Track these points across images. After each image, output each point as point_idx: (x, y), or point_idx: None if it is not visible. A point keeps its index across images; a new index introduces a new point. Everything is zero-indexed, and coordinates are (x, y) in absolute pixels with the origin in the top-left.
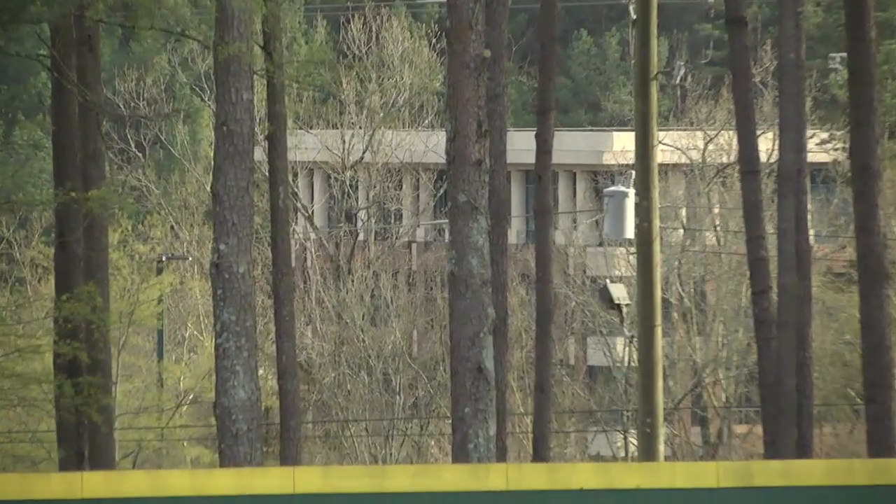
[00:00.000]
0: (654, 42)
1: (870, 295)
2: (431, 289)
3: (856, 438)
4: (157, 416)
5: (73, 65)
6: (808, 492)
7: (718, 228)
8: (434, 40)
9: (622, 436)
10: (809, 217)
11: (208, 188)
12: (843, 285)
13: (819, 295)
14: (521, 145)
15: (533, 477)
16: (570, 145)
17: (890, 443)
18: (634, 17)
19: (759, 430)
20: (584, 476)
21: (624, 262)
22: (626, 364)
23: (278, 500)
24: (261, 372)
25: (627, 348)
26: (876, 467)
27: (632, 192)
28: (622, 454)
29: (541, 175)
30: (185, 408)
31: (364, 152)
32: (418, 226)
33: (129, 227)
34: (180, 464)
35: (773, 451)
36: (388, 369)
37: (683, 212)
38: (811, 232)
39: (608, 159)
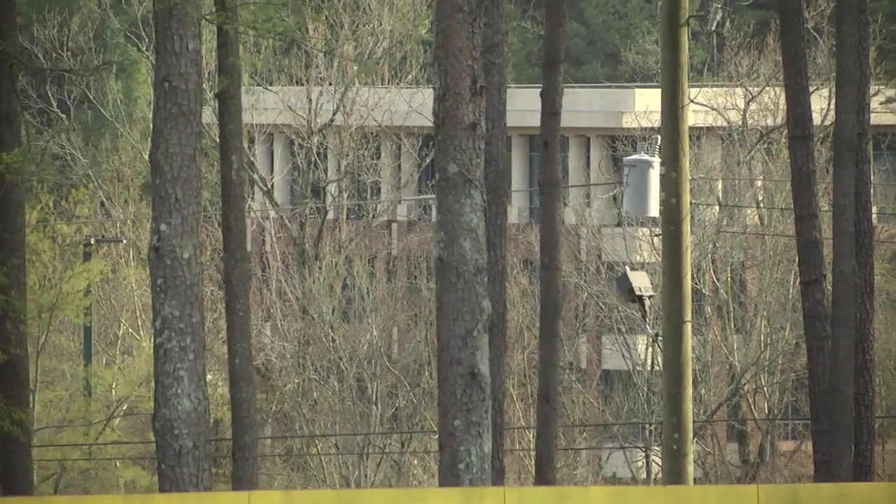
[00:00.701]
0: None
1: None
2: (415, 278)
3: None
4: (85, 431)
5: None
6: None
7: (762, 205)
8: None
9: (644, 454)
10: (872, 191)
11: (146, 156)
12: None
13: (883, 285)
14: (524, 105)
15: (536, 502)
16: (584, 105)
17: None
18: None
19: (808, 447)
20: (597, 501)
21: (647, 245)
22: (649, 368)
23: None
24: (210, 378)
25: (651, 349)
26: None
27: (657, 161)
28: (643, 476)
29: (547, 141)
30: (117, 421)
31: (335, 113)
32: (400, 202)
33: (51, 204)
34: (112, 488)
35: (825, 471)
36: (364, 374)
37: (720, 185)
38: (874, 209)
39: (629, 122)
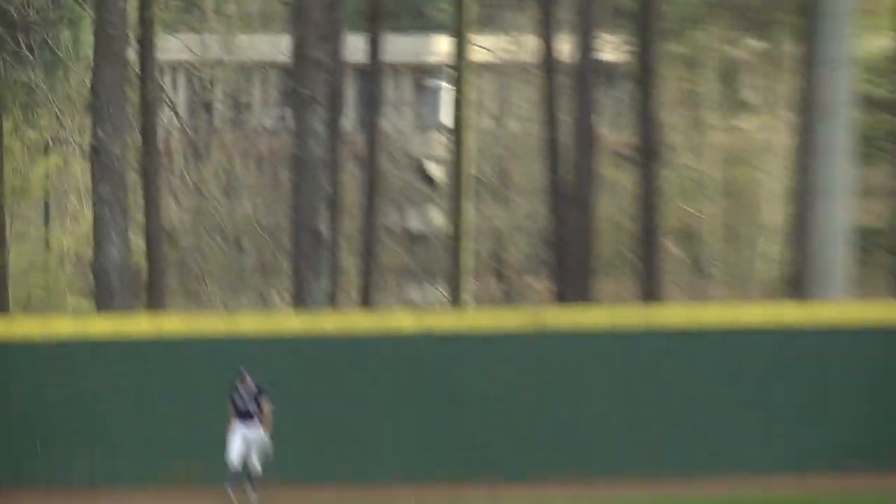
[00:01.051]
0: None
1: (643, 171)
2: (278, 169)
3: (632, 291)
4: (45, 274)
5: None
6: (591, 333)
7: (522, 118)
8: None
9: (436, 290)
10: (601, 109)
11: (89, 84)
12: (626, 166)
13: (606, 174)
14: (357, 47)
15: (359, 321)
16: (399, 46)
17: (658, 293)
18: None
19: (550, 284)
20: (403, 319)
21: (441, 145)
22: (439, 230)
23: (147, 341)
24: (132, 237)
25: (441, 217)
26: (645, 311)
27: (449, 86)
28: (436, 305)
29: (372, 72)
30: (68, 266)
31: (222, 54)
32: (267, 116)
33: (21, 117)
34: (64, 311)
35: (561, 300)
36: (240, 235)
37: (493, 103)
38: (601, 120)
39: (431, 59)
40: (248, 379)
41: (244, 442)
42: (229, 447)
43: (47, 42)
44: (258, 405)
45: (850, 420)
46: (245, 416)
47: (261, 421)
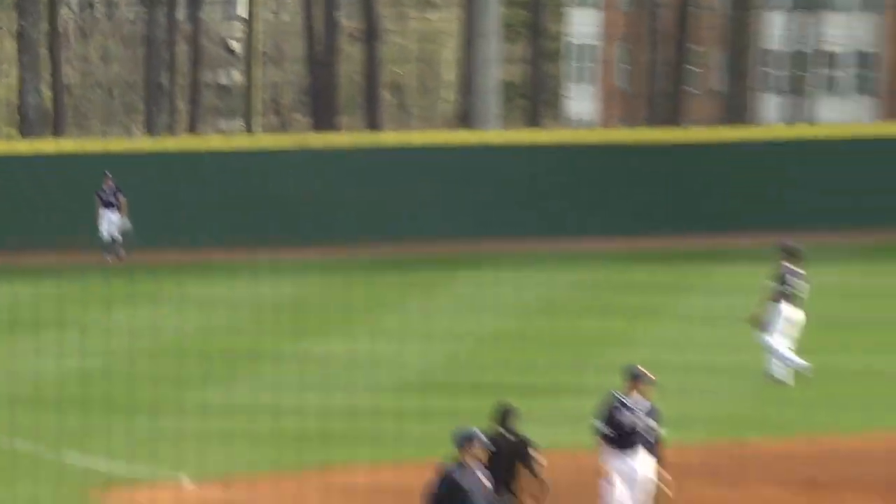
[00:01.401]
0: None
1: (368, 46)
2: (137, 45)
3: (361, 124)
4: None
5: None
6: (337, 149)
7: (291, 11)
8: None
9: (237, 122)
10: (341, 4)
11: None
12: (357, 43)
13: (344, 48)
14: None
15: (188, 143)
16: None
17: (378, 125)
18: None
19: (310, 119)
20: (216, 142)
21: (240, 29)
22: (239, 84)
23: (52, 156)
24: (43, 89)
25: (239, 75)
26: (371, 136)
27: None
28: (236, 132)
29: None
30: (2, 109)
31: None
32: (130, 11)
33: None
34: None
35: (317, 129)
36: (112, 88)
37: (271, 2)
38: (340, 12)
39: None
40: (111, 180)
41: (109, 223)
42: (100, 227)
43: None
44: (117, 198)
45: (504, 201)
46: (108, 205)
47: (119, 209)
